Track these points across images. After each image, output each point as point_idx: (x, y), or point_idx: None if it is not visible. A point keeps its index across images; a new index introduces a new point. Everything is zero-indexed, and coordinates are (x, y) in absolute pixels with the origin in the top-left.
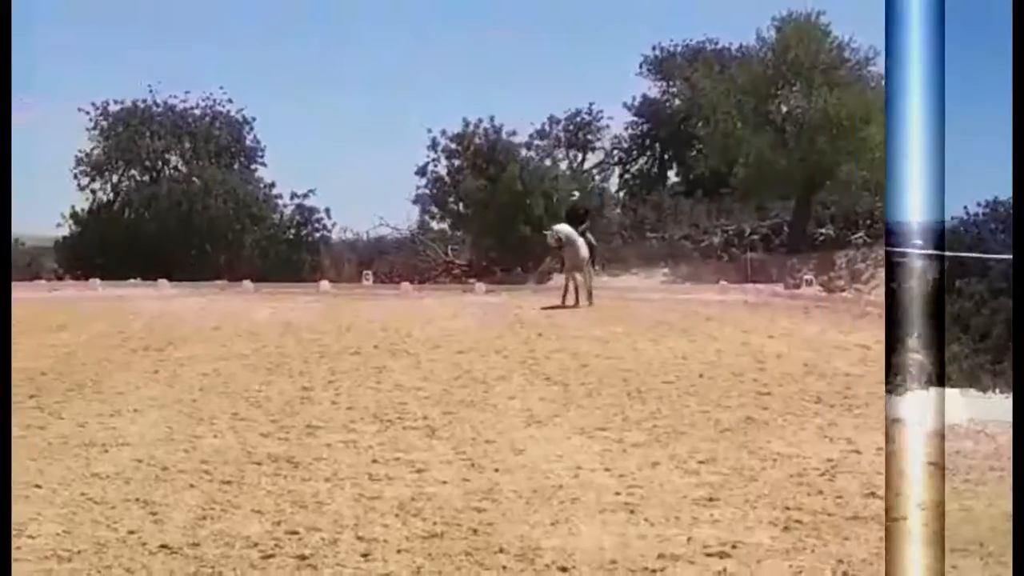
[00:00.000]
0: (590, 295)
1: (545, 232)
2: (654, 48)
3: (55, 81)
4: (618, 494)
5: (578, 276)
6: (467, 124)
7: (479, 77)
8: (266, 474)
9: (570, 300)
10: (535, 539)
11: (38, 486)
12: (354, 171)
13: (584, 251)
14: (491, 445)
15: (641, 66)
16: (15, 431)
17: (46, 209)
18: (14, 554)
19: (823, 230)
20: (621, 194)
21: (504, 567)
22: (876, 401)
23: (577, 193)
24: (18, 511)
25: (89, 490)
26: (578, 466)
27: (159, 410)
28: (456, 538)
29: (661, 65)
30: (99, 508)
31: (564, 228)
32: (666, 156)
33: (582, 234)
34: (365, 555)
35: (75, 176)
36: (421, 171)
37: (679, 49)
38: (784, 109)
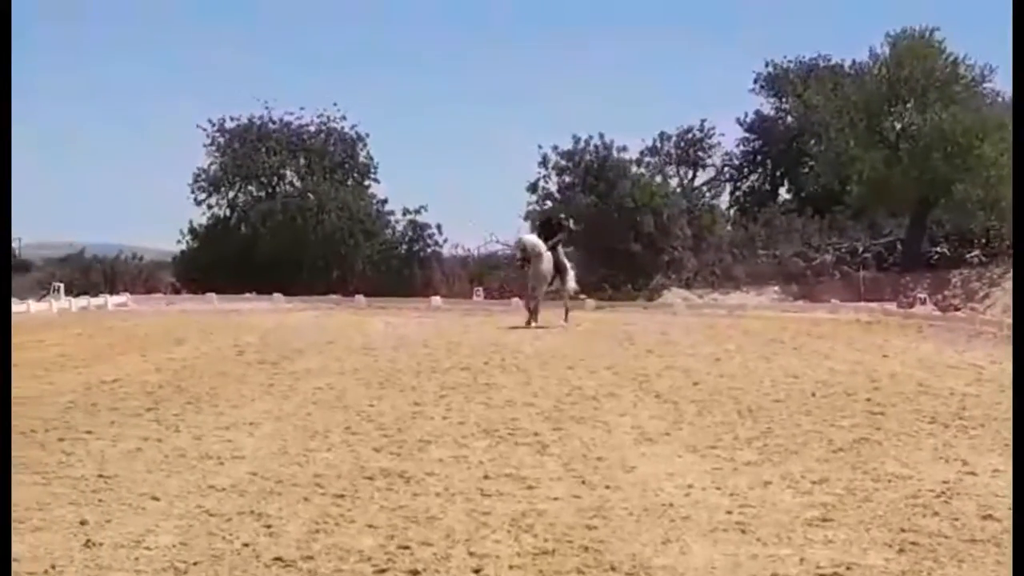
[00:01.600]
0: (566, 314)
1: (517, 238)
2: (767, 65)
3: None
4: (730, 513)
5: (537, 293)
6: (577, 140)
7: (590, 93)
8: (378, 488)
9: (552, 320)
10: (646, 557)
11: (156, 498)
12: (465, 188)
13: (547, 267)
14: (602, 462)
15: (754, 83)
16: (134, 443)
17: (165, 225)
18: (132, 565)
19: (937, 248)
20: (732, 211)
21: None
22: (991, 422)
23: (550, 202)
24: (136, 523)
25: (205, 502)
26: (689, 484)
27: (274, 423)
28: (567, 555)
29: (774, 82)
30: (215, 520)
31: (530, 239)
32: (778, 173)
33: (552, 248)
34: (477, 571)
35: (192, 192)
36: (532, 187)
37: (792, 66)
38: (898, 126)
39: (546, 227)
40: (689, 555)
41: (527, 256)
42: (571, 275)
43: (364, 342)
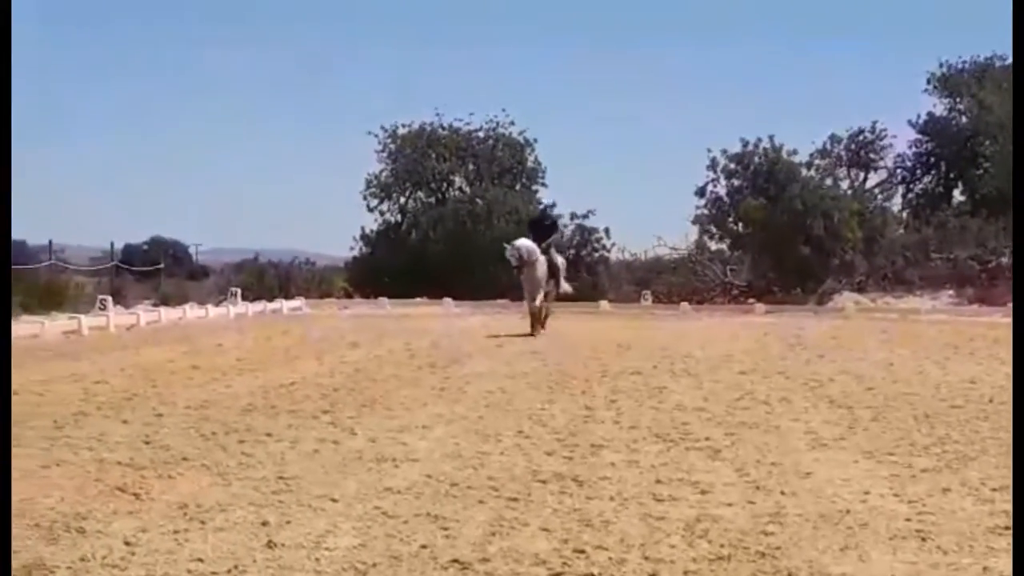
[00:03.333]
0: (544, 321)
1: (505, 245)
2: (940, 65)
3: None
4: (909, 520)
5: (535, 302)
6: (746, 143)
7: (760, 96)
8: (552, 492)
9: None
10: (824, 564)
11: (334, 499)
12: (633, 192)
13: (543, 271)
14: (776, 467)
15: (928, 83)
16: (311, 445)
17: (338, 231)
18: (313, 565)
19: None
20: (904, 214)
21: None
22: None
23: (545, 201)
24: (315, 524)
25: (382, 504)
26: (866, 491)
27: (446, 426)
28: (743, 561)
29: (947, 82)
30: (392, 522)
31: (525, 244)
32: (951, 175)
33: (546, 250)
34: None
35: (364, 198)
36: (700, 191)
37: (966, 66)
38: None
39: (537, 228)
40: (868, 563)
41: (524, 262)
42: (563, 278)
43: (532, 347)
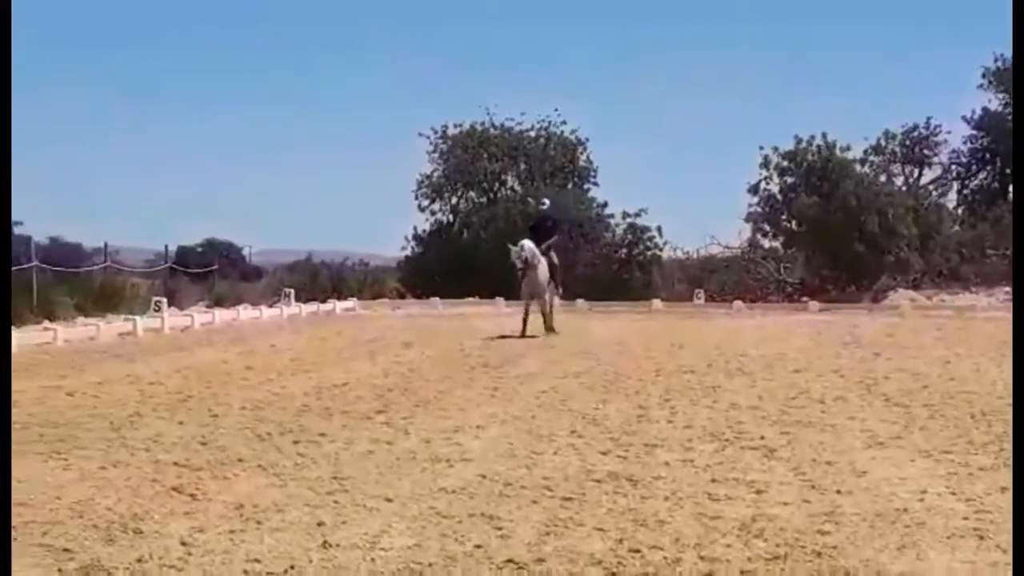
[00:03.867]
0: (548, 322)
1: (510, 247)
2: (996, 60)
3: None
4: (967, 519)
5: (537, 303)
6: (799, 141)
7: (812, 93)
8: (606, 492)
9: (533, 329)
10: (881, 564)
11: (389, 500)
12: (685, 190)
13: (545, 274)
14: (831, 466)
15: (983, 78)
16: (365, 446)
17: (391, 231)
18: (368, 566)
19: None
20: (959, 210)
21: None
22: None
23: (548, 201)
24: (370, 524)
25: (436, 504)
26: (923, 489)
27: (500, 426)
28: (800, 560)
29: (1003, 77)
30: (447, 522)
31: (530, 245)
32: (1007, 171)
33: (546, 251)
34: (708, 575)
35: (416, 198)
36: (753, 189)
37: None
38: None
39: (538, 230)
40: (926, 562)
41: (528, 264)
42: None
43: (585, 346)
